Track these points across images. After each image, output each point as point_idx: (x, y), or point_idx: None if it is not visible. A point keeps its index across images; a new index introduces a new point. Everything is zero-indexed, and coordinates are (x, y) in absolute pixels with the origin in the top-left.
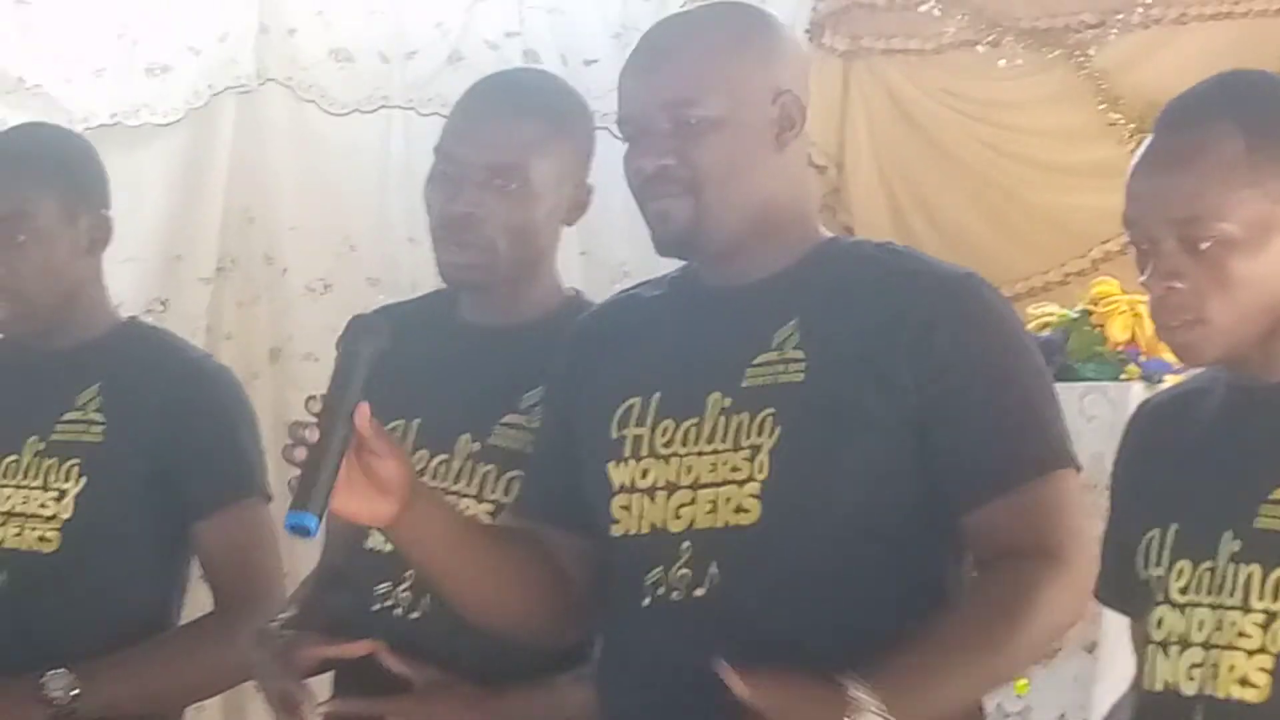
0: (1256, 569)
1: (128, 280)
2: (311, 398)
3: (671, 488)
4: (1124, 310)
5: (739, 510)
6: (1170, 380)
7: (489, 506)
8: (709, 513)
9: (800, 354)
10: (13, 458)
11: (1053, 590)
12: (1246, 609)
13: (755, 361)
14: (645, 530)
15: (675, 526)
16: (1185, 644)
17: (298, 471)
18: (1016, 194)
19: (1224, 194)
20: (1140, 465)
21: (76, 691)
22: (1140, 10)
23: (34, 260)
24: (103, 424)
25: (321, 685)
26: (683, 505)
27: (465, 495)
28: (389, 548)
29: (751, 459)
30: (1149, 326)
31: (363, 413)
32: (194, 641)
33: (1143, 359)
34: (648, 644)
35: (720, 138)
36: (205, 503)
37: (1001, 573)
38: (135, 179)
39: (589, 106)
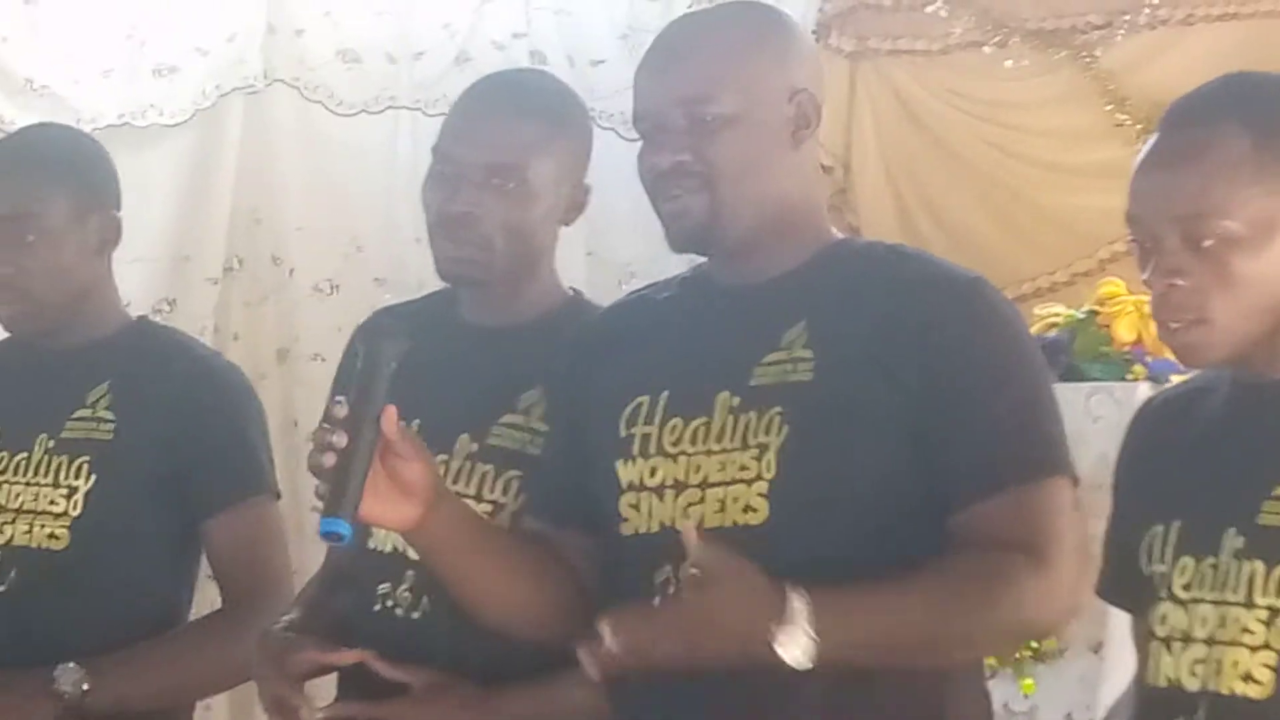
0: (1260, 565)
1: (135, 280)
2: (337, 402)
3: (680, 486)
4: (1130, 311)
5: (747, 509)
6: (1176, 380)
7: (488, 506)
8: (717, 512)
9: (809, 354)
10: (23, 455)
11: (1025, 584)
12: (1250, 605)
13: (763, 360)
14: (655, 529)
15: (684, 525)
16: (1188, 640)
17: (317, 477)
18: (1023, 195)
19: (1228, 192)
20: (1143, 462)
21: (86, 686)
22: (1147, 11)
23: (43, 260)
24: (113, 422)
25: (327, 686)
26: (691, 504)
27: (464, 495)
28: (389, 548)
29: (759, 458)
30: (1155, 327)
31: (390, 416)
32: (203, 638)
33: (1149, 359)
34: None
35: (735, 135)
36: (214, 501)
37: (981, 555)
38: (143, 179)
39: (586, 107)
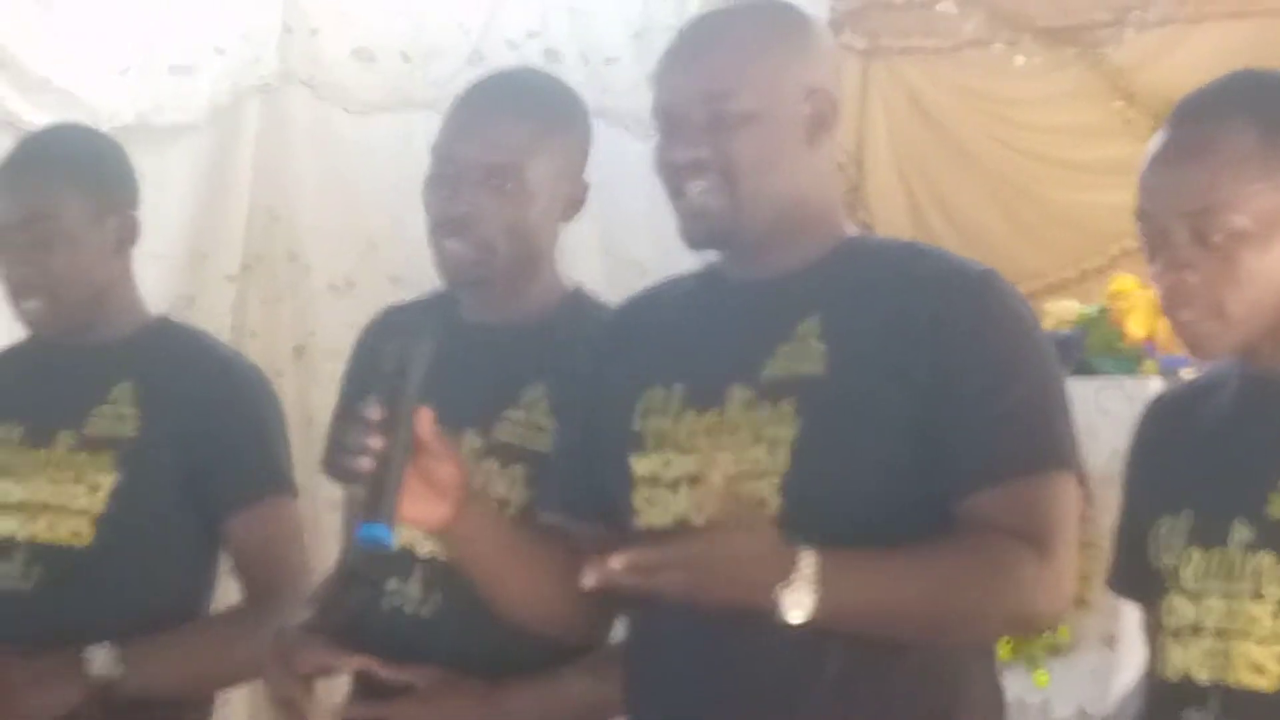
0: (1268, 557)
1: (153, 278)
2: (370, 405)
3: (694, 480)
4: (1142, 307)
5: (760, 503)
6: (1187, 375)
7: (493, 502)
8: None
9: (822, 346)
10: (45, 451)
11: (1025, 571)
12: (1258, 597)
13: (775, 352)
14: (669, 522)
15: (699, 519)
16: (1197, 632)
17: (347, 480)
18: (1034, 191)
19: (1236, 187)
20: (1152, 455)
21: (119, 670)
22: (1156, 8)
23: (62, 260)
24: (137, 419)
25: (340, 681)
26: (705, 498)
27: None
28: (397, 545)
29: (773, 452)
30: (1167, 322)
31: (425, 418)
32: (228, 629)
33: (1160, 354)
34: (674, 635)
35: (755, 131)
36: (235, 498)
37: (985, 538)
38: (160, 178)
39: (585, 103)
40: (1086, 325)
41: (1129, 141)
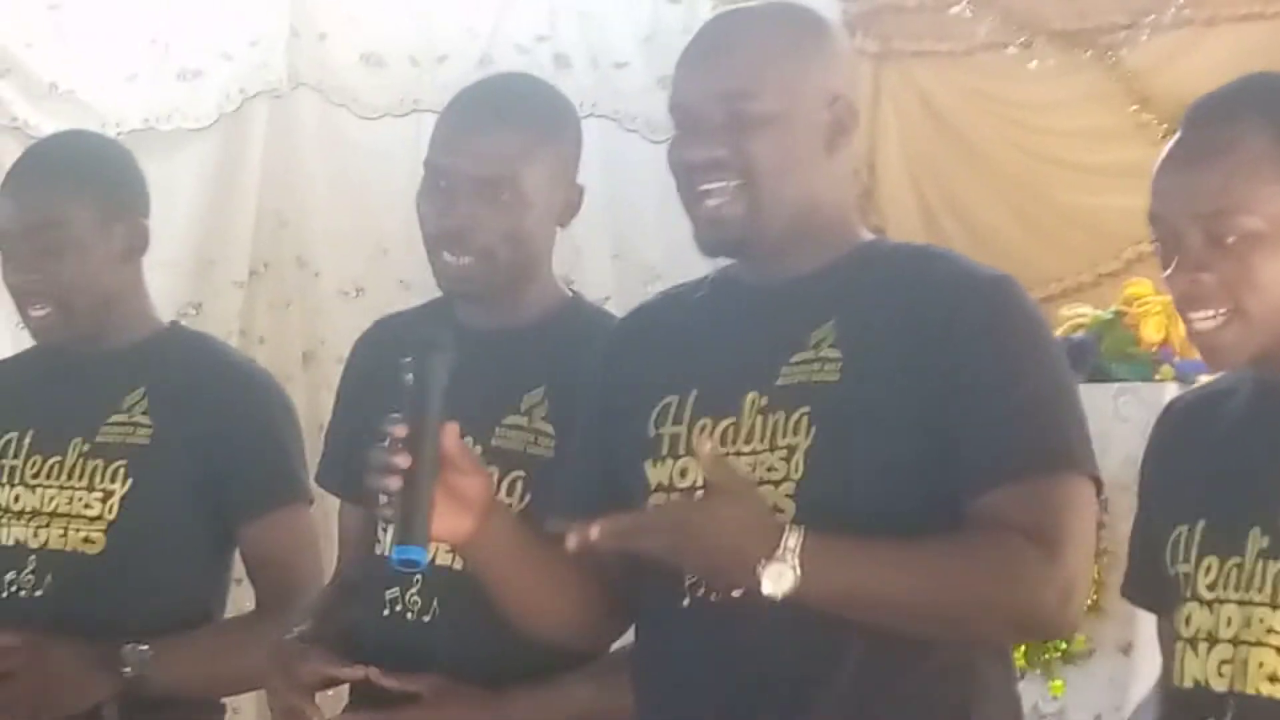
0: None
1: (161, 284)
2: (395, 421)
3: (698, 498)
4: (1158, 311)
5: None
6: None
7: None
8: None
9: (836, 353)
10: (56, 459)
11: (1028, 568)
12: (1275, 605)
13: (791, 360)
14: None
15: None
16: (1214, 640)
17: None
18: (1048, 195)
19: (1251, 189)
20: (1168, 462)
21: (150, 670)
22: (1171, 11)
23: (70, 268)
24: (149, 426)
25: (339, 691)
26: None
27: None
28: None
29: (788, 459)
30: (1183, 327)
31: (451, 433)
32: (244, 635)
33: (1176, 360)
34: (687, 645)
35: (774, 134)
36: (249, 506)
37: (989, 533)
38: (168, 184)
39: (573, 105)
40: (1101, 330)
41: (1144, 145)
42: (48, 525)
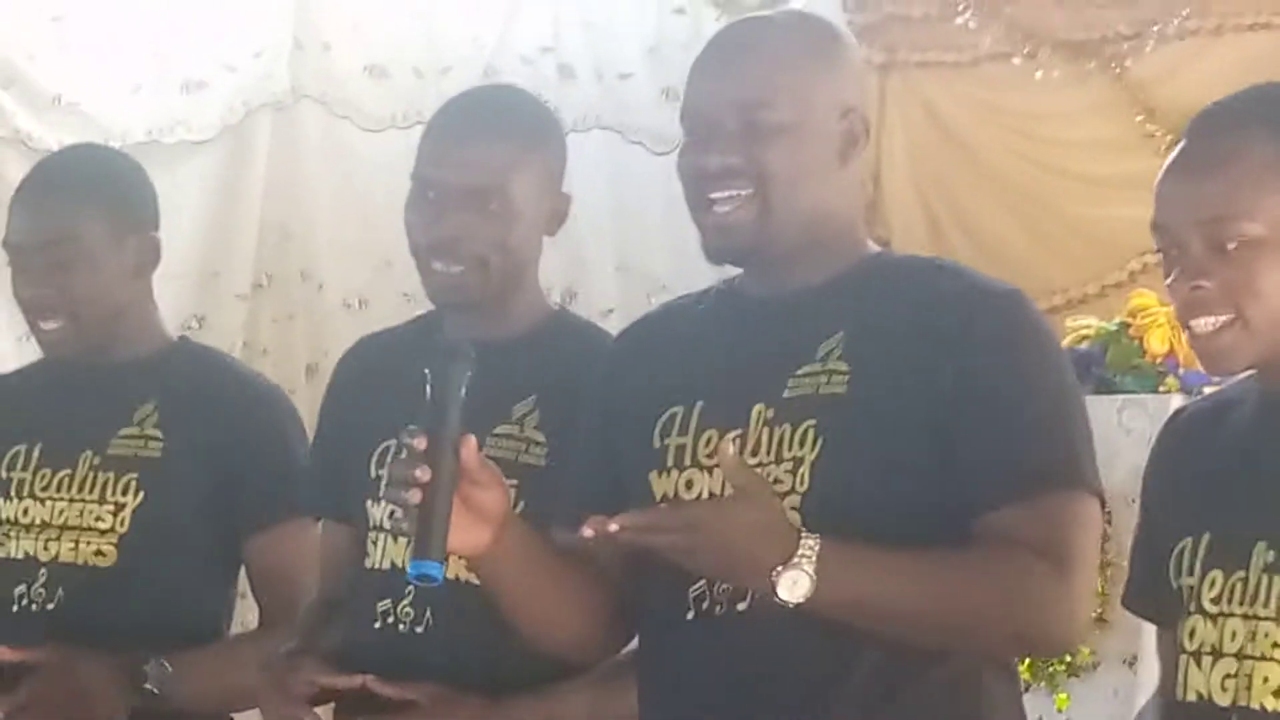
0: None
1: (164, 297)
2: (413, 434)
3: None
4: (1163, 323)
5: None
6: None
7: None
8: None
9: (844, 366)
10: (66, 472)
11: (1038, 586)
12: None
13: (798, 372)
14: None
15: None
16: (1218, 654)
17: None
18: (1053, 206)
19: (1253, 196)
20: (1172, 474)
21: (170, 688)
22: (1177, 21)
23: (82, 282)
24: (160, 440)
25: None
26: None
27: None
28: (387, 565)
29: (794, 471)
30: (1187, 338)
31: (470, 446)
32: (253, 651)
33: (1181, 371)
34: (691, 658)
35: (788, 143)
36: (256, 520)
37: (1002, 549)
38: (171, 196)
39: (558, 116)
40: (1106, 341)
41: (1149, 155)
42: (58, 538)
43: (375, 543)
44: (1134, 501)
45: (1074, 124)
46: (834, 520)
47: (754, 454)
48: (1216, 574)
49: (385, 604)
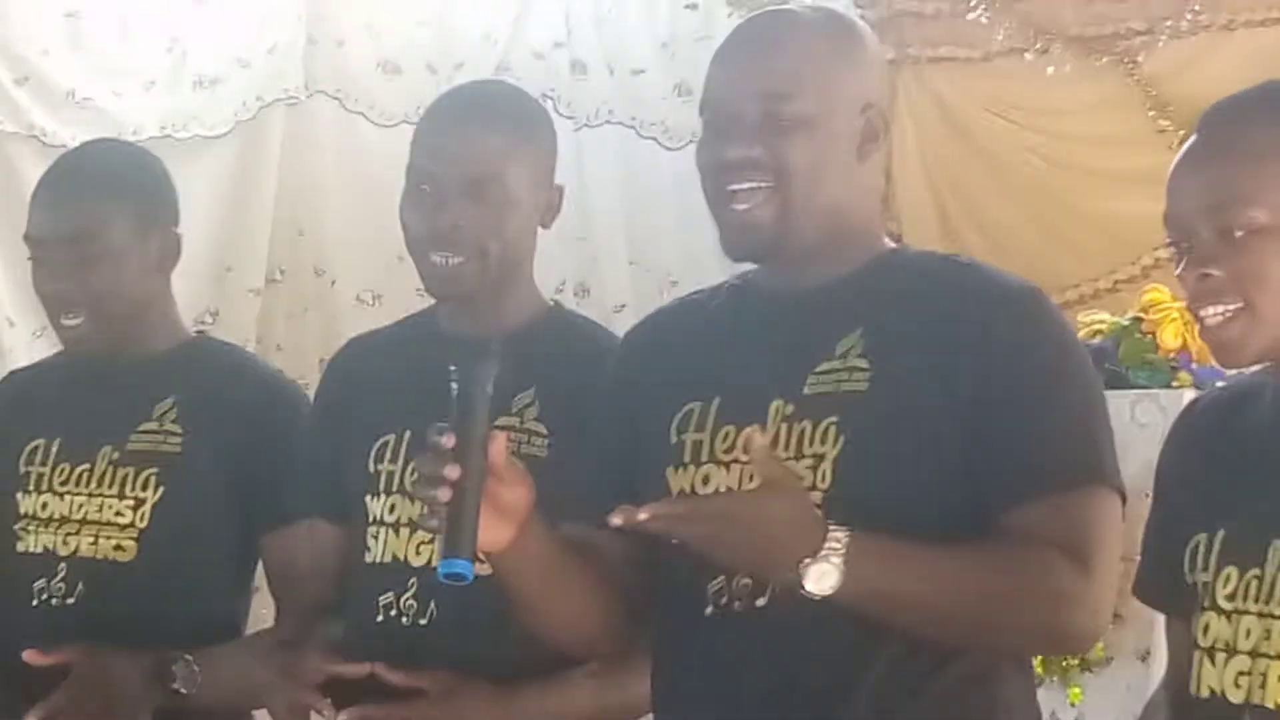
0: None
1: (178, 292)
2: (441, 432)
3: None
4: (1175, 317)
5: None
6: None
7: None
8: None
9: (864, 363)
10: (85, 466)
11: (1064, 583)
12: None
13: (818, 369)
14: None
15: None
16: (1232, 651)
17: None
18: (1065, 201)
19: (1258, 183)
20: (1187, 466)
21: (193, 686)
22: (1189, 17)
23: (105, 278)
24: (180, 435)
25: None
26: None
27: None
28: (389, 559)
29: (814, 468)
30: (1196, 327)
31: (499, 444)
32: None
33: (1194, 366)
34: (710, 654)
35: (808, 137)
36: (276, 515)
37: (1028, 547)
38: (185, 191)
39: (546, 109)
40: (1118, 336)
41: (1161, 151)
42: (77, 533)
43: (376, 537)
44: (1147, 496)
45: (1086, 119)
46: (855, 517)
47: (773, 449)
48: (1231, 571)
49: (387, 597)
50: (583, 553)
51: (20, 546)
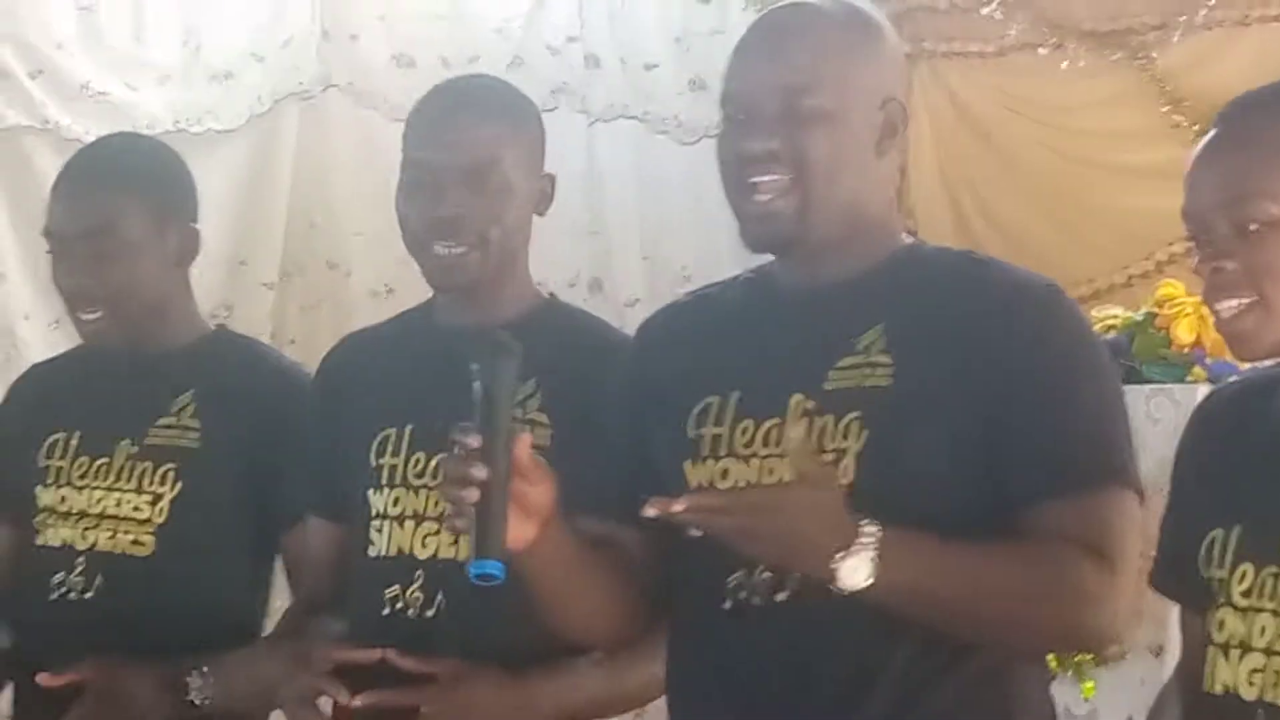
0: None
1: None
2: (466, 431)
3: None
4: (1189, 312)
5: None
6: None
7: None
8: None
9: (887, 359)
10: (104, 460)
11: (1089, 581)
12: None
13: (839, 364)
14: None
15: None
16: (1246, 648)
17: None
18: (1079, 196)
19: (1273, 176)
20: (1203, 461)
21: (208, 699)
22: (1204, 12)
23: (124, 272)
24: (198, 430)
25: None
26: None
27: None
28: (394, 551)
29: (836, 463)
30: (1215, 327)
31: (524, 443)
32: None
33: (1209, 361)
34: (727, 648)
35: (828, 130)
36: (294, 511)
37: (1054, 546)
38: (199, 186)
39: (532, 100)
40: (1133, 331)
41: (1176, 146)
42: (96, 526)
43: (380, 530)
44: (1161, 492)
45: (1100, 114)
46: (877, 511)
47: None
48: (1247, 567)
49: (393, 590)
50: (600, 547)
51: (39, 540)
